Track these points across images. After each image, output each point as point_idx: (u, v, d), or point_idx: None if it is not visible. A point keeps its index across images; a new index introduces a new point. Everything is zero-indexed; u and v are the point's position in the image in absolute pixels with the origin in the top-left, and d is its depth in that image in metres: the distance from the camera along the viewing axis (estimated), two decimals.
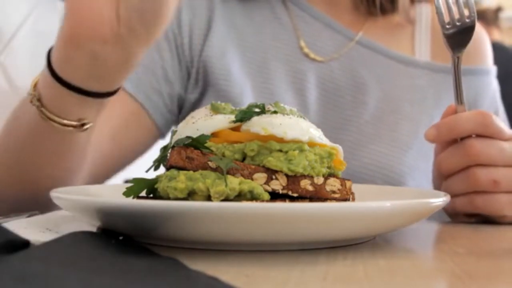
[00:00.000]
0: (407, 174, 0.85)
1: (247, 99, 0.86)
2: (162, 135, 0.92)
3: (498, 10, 3.33)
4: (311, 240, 0.46)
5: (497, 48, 2.94)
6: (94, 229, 0.49)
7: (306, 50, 0.92)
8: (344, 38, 0.93)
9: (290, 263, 0.42)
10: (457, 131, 0.65)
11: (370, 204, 0.45)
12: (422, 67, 0.93)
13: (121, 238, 0.46)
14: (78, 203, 0.48)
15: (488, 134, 0.64)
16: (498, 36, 3.21)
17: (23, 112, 0.63)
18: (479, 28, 0.98)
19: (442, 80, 0.92)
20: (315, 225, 0.43)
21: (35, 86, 0.60)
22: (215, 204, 0.41)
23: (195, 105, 0.90)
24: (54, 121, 0.59)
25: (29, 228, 0.52)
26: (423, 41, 0.96)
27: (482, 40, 0.98)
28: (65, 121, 0.59)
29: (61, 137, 0.61)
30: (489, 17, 3.24)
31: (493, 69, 0.98)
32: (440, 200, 0.50)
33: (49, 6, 1.04)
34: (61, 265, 0.34)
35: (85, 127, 0.60)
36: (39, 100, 0.59)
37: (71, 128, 0.60)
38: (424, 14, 0.98)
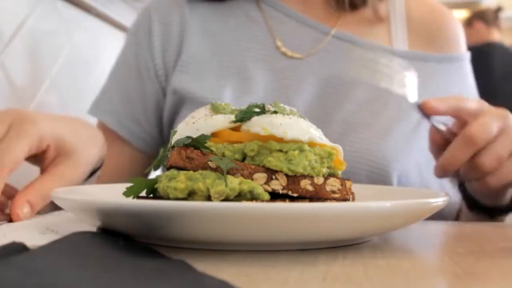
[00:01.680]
0: (391, 159, 0.85)
1: (227, 101, 0.86)
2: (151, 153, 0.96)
3: (498, 10, 3.35)
4: (311, 240, 0.46)
5: (498, 48, 2.96)
6: (94, 229, 0.49)
7: (283, 49, 0.92)
8: (319, 33, 0.94)
9: (290, 263, 0.42)
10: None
11: (370, 204, 0.45)
12: (400, 56, 0.94)
13: (120, 238, 0.46)
14: (78, 203, 0.48)
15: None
16: (498, 36, 3.22)
17: None
18: (450, 14, 1.00)
19: (420, 68, 0.93)
20: (315, 225, 0.43)
21: None
22: (215, 204, 0.41)
23: (173, 117, 0.92)
24: None
25: (29, 228, 0.52)
26: (399, 31, 0.96)
27: (454, 26, 0.99)
28: None
29: None
30: (489, 18, 3.25)
31: (466, 55, 0.99)
32: (440, 200, 0.50)
33: (49, 6, 1.04)
34: (67, 263, 0.34)
35: None
36: None
37: None
38: (397, 4, 0.98)
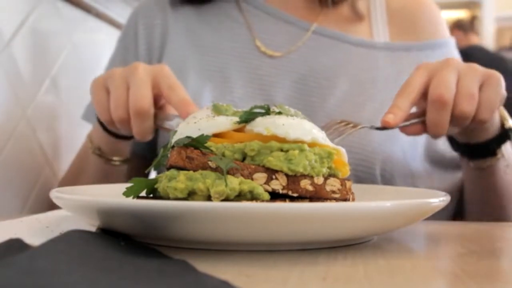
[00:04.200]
0: (378, 149, 0.86)
1: (207, 100, 0.88)
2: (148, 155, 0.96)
3: (473, 19, 3.57)
4: (311, 240, 0.46)
5: (478, 50, 3.10)
6: (93, 228, 0.48)
7: (262, 49, 0.93)
8: (299, 29, 0.95)
9: (290, 263, 0.42)
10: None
11: (370, 204, 0.45)
12: (381, 48, 0.95)
13: (121, 238, 0.46)
14: (78, 203, 0.48)
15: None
16: (477, 40, 3.38)
17: (87, 161, 0.88)
18: (428, 2, 1.00)
19: (401, 58, 0.94)
20: (315, 225, 0.43)
21: (91, 141, 0.86)
22: (215, 204, 0.41)
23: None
24: (112, 160, 0.86)
25: (29, 227, 0.52)
26: (380, 24, 0.97)
27: (434, 13, 1.00)
28: (117, 158, 0.86)
29: (114, 170, 0.87)
30: (466, 26, 3.45)
31: (451, 41, 0.99)
32: (440, 199, 0.50)
33: (49, 6, 1.04)
34: (68, 263, 0.34)
35: (127, 161, 0.88)
36: (99, 149, 0.85)
37: (119, 163, 0.86)
38: None
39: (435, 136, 0.71)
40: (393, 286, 0.37)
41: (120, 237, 0.46)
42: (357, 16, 0.97)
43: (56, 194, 0.50)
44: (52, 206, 0.62)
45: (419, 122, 0.71)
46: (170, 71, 0.75)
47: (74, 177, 0.92)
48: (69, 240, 0.40)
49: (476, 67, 0.70)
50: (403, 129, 0.71)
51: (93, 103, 0.77)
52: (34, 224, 0.54)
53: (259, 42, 0.94)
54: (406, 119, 0.70)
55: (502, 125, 0.76)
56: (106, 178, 0.88)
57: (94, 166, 0.87)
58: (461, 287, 0.36)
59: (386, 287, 0.36)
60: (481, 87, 0.69)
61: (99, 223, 0.49)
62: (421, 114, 0.71)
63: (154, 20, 0.96)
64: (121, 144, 0.85)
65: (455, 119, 0.69)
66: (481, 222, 0.74)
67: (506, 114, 0.77)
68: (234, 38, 0.95)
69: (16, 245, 0.39)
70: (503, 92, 0.71)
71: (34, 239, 0.42)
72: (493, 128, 0.75)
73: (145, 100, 0.70)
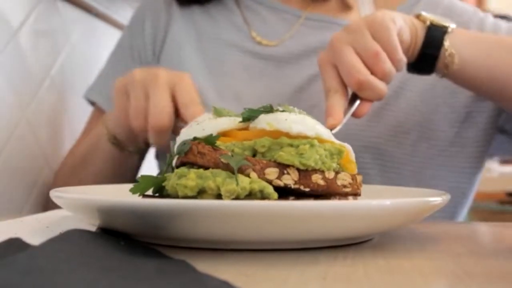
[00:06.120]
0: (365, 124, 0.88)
1: (202, 84, 0.90)
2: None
3: None
4: (312, 238, 0.46)
5: None
6: (93, 228, 0.48)
7: (258, 39, 0.95)
8: (292, 16, 0.97)
9: (290, 263, 0.42)
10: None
11: (370, 202, 0.45)
12: None
13: (121, 238, 0.46)
14: (79, 202, 0.48)
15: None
16: None
17: (97, 148, 0.88)
18: None
19: None
20: (316, 223, 0.43)
21: (106, 128, 0.86)
22: (214, 202, 0.41)
23: None
24: (127, 149, 0.87)
25: (29, 227, 0.52)
26: (367, 10, 0.99)
27: None
28: (132, 148, 0.87)
29: (127, 158, 0.89)
30: None
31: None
32: (440, 199, 0.50)
33: (49, 6, 1.04)
34: (68, 262, 0.34)
35: (140, 150, 0.90)
36: (115, 138, 0.85)
37: (133, 152, 0.87)
38: None
39: (381, 97, 0.70)
40: (393, 286, 0.37)
41: (120, 237, 0.46)
42: (346, 7, 0.99)
43: (56, 194, 0.50)
44: (52, 206, 0.62)
45: (360, 101, 0.70)
46: (189, 82, 0.75)
47: (79, 166, 0.92)
48: (69, 239, 0.40)
49: (356, 27, 0.69)
50: (354, 115, 0.71)
51: (114, 106, 0.78)
52: (34, 224, 0.54)
53: (254, 33, 0.96)
54: (349, 106, 0.70)
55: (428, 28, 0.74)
56: (117, 167, 0.88)
57: (105, 153, 0.87)
58: (461, 287, 0.36)
59: (386, 287, 0.36)
60: (374, 38, 0.69)
61: (99, 223, 0.49)
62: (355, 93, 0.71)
63: (161, 5, 1.00)
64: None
65: (382, 79, 0.69)
66: (480, 222, 0.74)
67: (415, 24, 0.74)
68: (231, 29, 0.97)
69: (16, 245, 0.39)
70: (392, 24, 0.69)
71: (34, 239, 0.41)
72: (418, 39, 0.74)
73: (165, 116, 0.71)
